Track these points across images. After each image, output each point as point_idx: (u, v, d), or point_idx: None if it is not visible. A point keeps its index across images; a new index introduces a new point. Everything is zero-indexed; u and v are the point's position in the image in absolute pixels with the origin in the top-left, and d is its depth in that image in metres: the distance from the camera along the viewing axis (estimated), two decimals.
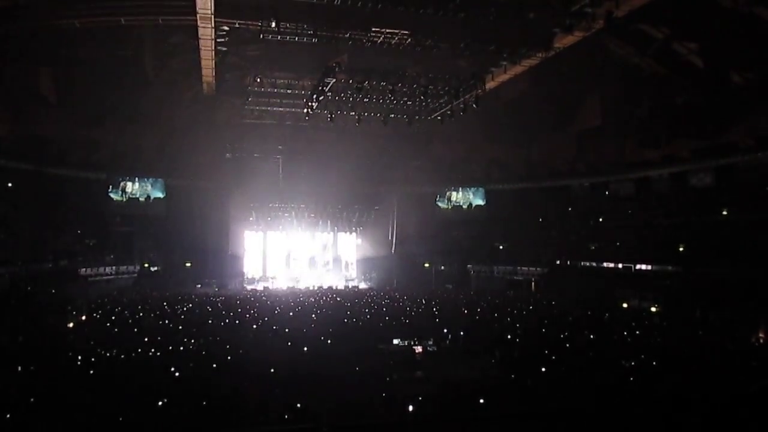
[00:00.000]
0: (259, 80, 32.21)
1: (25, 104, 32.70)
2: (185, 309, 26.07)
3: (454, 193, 45.28)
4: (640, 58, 31.16)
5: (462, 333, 19.50)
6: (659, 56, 30.32)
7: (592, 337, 19.32)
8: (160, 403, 10.74)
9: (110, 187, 38.69)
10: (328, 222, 44.85)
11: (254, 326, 21.42)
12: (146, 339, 17.71)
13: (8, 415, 9.98)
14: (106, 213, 38.18)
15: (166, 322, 22.03)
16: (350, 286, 40.82)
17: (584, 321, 23.26)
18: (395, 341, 17.91)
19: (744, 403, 10.38)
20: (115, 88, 32.71)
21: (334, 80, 27.90)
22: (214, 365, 14.42)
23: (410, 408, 10.73)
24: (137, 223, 38.99)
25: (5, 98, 31.44)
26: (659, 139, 35.07)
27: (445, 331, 19.70)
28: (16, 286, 27.06)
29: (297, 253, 44.47)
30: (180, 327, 20.77)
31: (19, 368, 13.36)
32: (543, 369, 14.04)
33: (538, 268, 38.84)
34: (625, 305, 28.88)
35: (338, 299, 31.44)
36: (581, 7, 22.30)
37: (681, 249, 31.84)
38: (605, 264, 35.25)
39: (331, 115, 32.80)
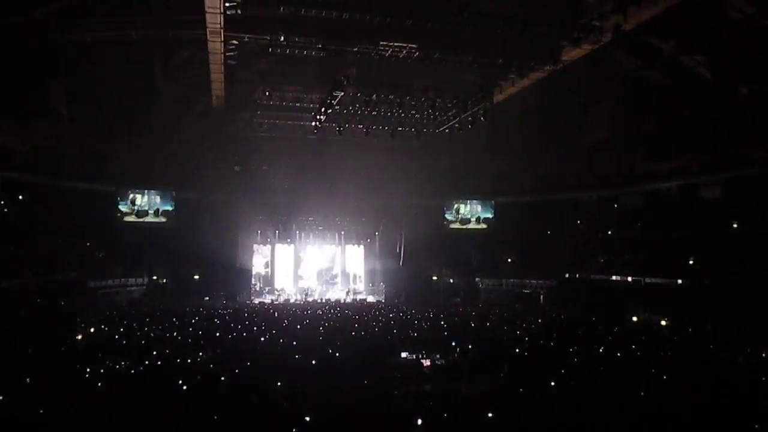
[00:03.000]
0: (267, 94, 32.45)
1: (37, 118, 33.04)
2: (193, 321, 26.07)
3: (462, 206, 45.14)
4: (648, 71, 31.17)
5: (470, 346, 19.40)
6: (667, 69, 30.32)
7: (601, 350, 19.19)
8: (167, 415, 10.72)
9: (119, 199, 38.90)
10: (336, 235, 44.91)
11: (262, 339, 21.40)
12: (154, 352, 17.72)
13: (16, 427, 9.99)
14: (115, 225, 38.36)
15: (174, 334, 22.06)
16: (358, 299, 40.72)
17: (593, 335, 23.09)
18: (403, 354, 17.82)
19: (755, 419, 10.27)
20: (126, 102, 33.06)
21: (343, 93, 28.09)
22: (222, 378, 14.40)
23: (419, 421, 10.66)
24: (146, 236, 39.11)
25: (17, 112, 31.76)
26: (668, 151, 34.90)
27: (454, 344, 19.59)
28: (26, 297, 27.18)
29: (305, 265, 44.50)
30: (189, 339, 20.78)
31: (28, 380, 13.38)
32: (552, 383, 13.92)
33: (546, 281, 38.66)
34: (634, 319, 28.67)
35: (346, 312, 31.37)
36: (589, 20, 22.38)
37: (691, 262, 31.62)
38: (614, 277, 35.02)
39: (340, 129, 32.98)
